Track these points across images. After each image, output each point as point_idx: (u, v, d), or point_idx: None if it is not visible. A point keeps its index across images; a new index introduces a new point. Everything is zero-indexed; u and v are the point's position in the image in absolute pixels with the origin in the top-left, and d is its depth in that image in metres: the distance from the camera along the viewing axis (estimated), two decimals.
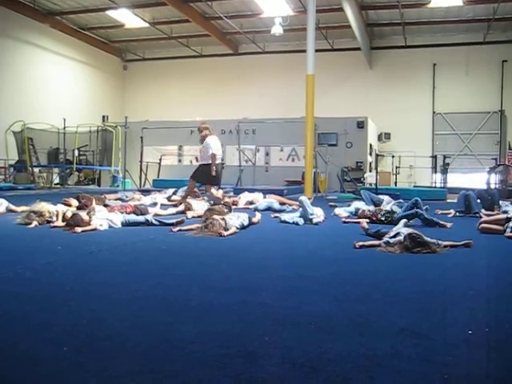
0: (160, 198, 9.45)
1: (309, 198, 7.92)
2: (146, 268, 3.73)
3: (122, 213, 6.38)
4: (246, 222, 5.98)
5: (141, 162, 15.90)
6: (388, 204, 7.65)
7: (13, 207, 7.28)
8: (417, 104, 19.60)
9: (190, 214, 7.14)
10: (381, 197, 8.28)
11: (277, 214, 7.27)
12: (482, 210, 7.69)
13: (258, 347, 2.05)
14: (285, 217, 6.75)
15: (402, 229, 4.81)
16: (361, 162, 16.63)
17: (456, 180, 16.96)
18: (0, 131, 16.54)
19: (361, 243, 4.60)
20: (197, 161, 12.50)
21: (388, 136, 19.43)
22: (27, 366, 1.85)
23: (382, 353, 1.99)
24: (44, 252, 4.38)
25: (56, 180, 16.98)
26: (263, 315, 2.51)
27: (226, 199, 8.72)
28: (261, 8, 16.99)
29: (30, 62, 17.98)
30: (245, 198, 9.42)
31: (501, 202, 8.18)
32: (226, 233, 5.28)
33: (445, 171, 15.74)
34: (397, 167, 16.58)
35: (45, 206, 6.20)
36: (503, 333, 2.29)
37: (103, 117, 19.41)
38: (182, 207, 7.73)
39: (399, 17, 17.46)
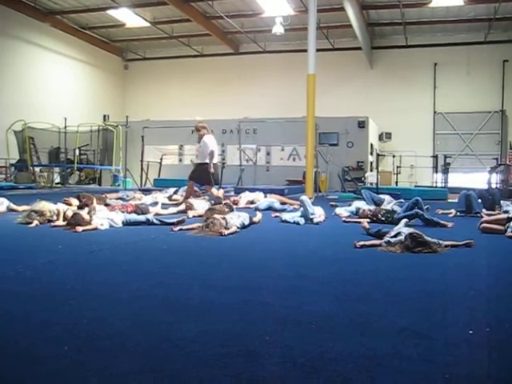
0: (161, 197, 9.46)
1: (310, 198, 7.91)
2: (146, 267, 3.73)
3: (123, 212, 6.37)
4: (246, 222, 5.98)
5: (142, 161, 15.89)
6: (389, 204, 7.66)
7: (14, 206, 7.27)
8: (418, 104, 19.57)
9: (190, 214, 7.13)
10: (382, 196, 8.27)
11: (277, 214, 7.28)
12: (483, 210, 7.67)
13: (259, 346, 2.05)
14: (285, 216, 6.75)
15: (402, 228, 4.81)
16: (362, 162, 16.59)
17: (457, 180, 16.91)
18: (1, 130, 16.53)
19: (361, 243, 4.60)
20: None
21: (389, 136, 19.41)
22: (28, 364, 1.85)
23: (383, 352, 1.98)
24: (45, 251, 4.38)
25: (57, 179, 16.95)
26: (264, 314, 2.51)
27: (226, 200, 8.71)
28: (262, 7, 16.98)
29: (31, 62, 18.00)
30: (246, 197, 9.41)
31: (502, 201, 8.15)
32: (226, 232, 5.28)
33: (446, 171, 15.73)
34: (398, 167, 16.57)
35: (46, 206, 6.19)
36: (504, 333, 2.29)
37: (104, 116, 19.42)
38: (182, 206, 7.74)
39: (400, 16, 17.45)
